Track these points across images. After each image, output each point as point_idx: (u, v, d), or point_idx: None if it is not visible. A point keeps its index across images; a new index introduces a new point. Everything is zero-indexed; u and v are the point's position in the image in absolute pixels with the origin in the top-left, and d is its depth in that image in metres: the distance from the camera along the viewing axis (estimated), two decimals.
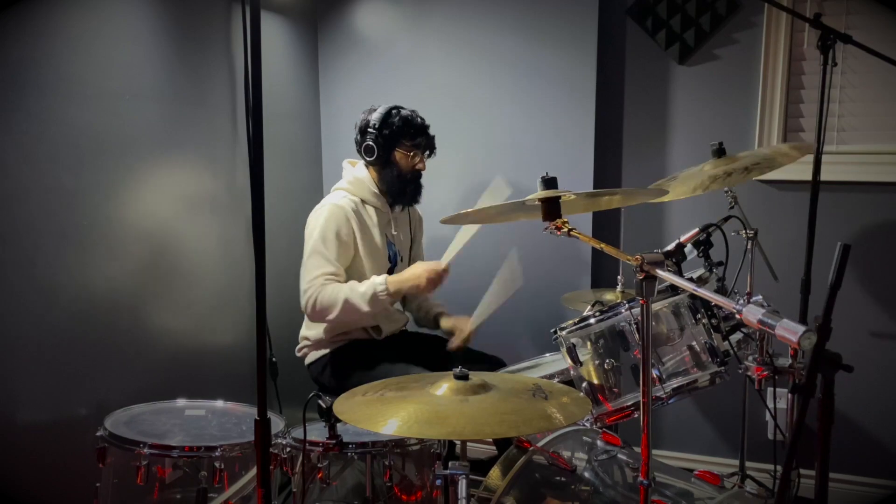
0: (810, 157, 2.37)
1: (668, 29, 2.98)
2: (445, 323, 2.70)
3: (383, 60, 3.25)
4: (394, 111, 2.56)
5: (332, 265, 2.46)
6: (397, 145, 2.56)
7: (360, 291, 2.44)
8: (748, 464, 2.69)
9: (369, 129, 2.55)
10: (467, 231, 2.55)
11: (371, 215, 2.59)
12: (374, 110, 2.57)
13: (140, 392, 2.31)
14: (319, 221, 2.50)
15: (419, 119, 2.60)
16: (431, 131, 2.62)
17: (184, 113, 2.59)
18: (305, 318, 2.68)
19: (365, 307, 2.43)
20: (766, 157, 2.47)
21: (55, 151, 2.14)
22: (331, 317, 2.45)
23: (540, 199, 1.72)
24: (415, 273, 2.49)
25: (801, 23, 2.82)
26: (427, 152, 2.61)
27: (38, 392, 2.13)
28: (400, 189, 2.60)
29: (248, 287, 2.87)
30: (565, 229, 1.69)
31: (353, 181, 2.61)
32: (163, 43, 2.50)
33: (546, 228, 1.73)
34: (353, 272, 2.54)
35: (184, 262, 2.61)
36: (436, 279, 2.48)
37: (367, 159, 2.58)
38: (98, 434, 1.97)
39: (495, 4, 3.09)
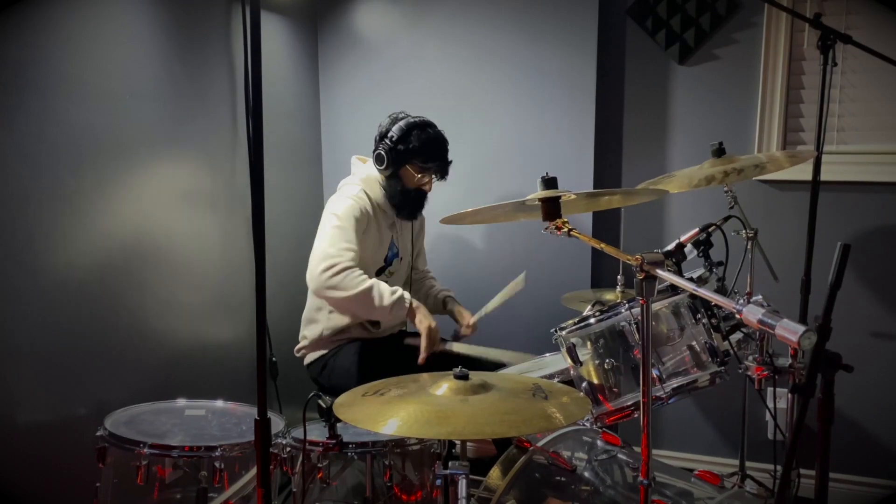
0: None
1: (668, 29, 2.98)
2: (454, 308, 2.76)
3: (383, 60, 3.25)
4: (416, 130, 2.51)
5: (355, 244, 2.46)
6: (408, 162, 2.54)
7: (389, 290, 2.43)
8: (748, 464, 2.69)
9: (386, 139, 2.52)
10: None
11: (379, 213, 2.60)
12: (400, 120, 2.53)
13: (140, 392, 2.31)
14: (343, 203, 2.51)
15: (440, 142, 2.55)
16: None
17: (184, 112, 2.59)
18: (304, 317, 2.69)
19: (385, 303, 2.40)
20: (762, 163, 2.48)
21: (55, 151, 2.14)
22: (343, 295, 2.39)
23: (540, 199, 1.72)
24: (423, 323, 2.45)
25: (801, 23, 2.81)
26: (437, 176, 2.59)
27: (38, 392, 2.13)
28: (400, 202, 2.59)
29: (248, 287, 2.87)
30: (565, 229, 1.69)
31: (365, 178, 2.60)
32: (163, 43, 2.49)
33: (546, 228, 1.73)
34: None
35: (184, 261, 2.61)
36: (430, 345, 2.45)
37: (377, 167, 2.57)
38: (98, 434, 1.96)
39: (495, 4, 3.08)
